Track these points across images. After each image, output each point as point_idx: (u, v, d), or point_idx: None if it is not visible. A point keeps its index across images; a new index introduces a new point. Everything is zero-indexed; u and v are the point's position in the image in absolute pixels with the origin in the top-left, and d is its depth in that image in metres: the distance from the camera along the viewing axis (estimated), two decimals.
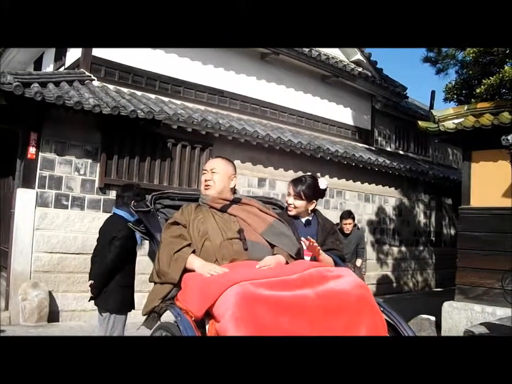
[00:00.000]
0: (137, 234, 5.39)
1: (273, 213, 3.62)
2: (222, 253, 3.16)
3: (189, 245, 3.19)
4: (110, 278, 5.21)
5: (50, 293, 8.93)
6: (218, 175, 3.50)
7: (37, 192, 8.98)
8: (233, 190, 3.61)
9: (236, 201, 3.52)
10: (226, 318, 2.52)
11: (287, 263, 3.25)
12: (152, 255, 3.35)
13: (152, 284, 3.25)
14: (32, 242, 8.93)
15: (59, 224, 9.17)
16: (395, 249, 15.44)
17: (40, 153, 9.02)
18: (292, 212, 3.80)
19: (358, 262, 9.03)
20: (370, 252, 14.35)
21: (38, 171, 9.02)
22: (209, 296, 2.68)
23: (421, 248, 16.52)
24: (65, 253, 9.11)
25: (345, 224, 8.91)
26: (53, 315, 8.98)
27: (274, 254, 3.26)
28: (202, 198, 3.55)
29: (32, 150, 8.89)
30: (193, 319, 2.76)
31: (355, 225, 9.32)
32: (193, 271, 3.04)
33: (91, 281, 5.34)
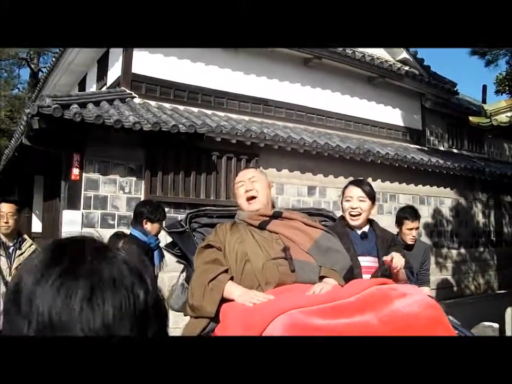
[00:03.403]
0: (156, 256, 5.12)
1: (318, 225, 3.16)
2: (266, 276, 2.74)
3: (226, 271, 2.78)
4: None
5: None
6: (259, 183, 3.06)
7: (82, 213, 8.86)
8: (272, 203, 3.20)
9: (276, 215, 3.06)
10: None
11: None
12: (189, 281, 2.99)
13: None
14: None
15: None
16: (454, 252, 14.84)
17: (84, 174, 8.91)
18: (358, 221, 3.35)
19: (426, 290, 4.93)
20: None
21: (83, 192, 8.90)
22: (253, 330, 2.26)
23: (481, 249, 15.84)
24: None
25: (410, 229, 5.11)
26: None
27: (321, 277, 2.80)
28: (238, 214, 3.15)
29: (75, 171, 8.79)
30: None
31: None
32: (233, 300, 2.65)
33: None
